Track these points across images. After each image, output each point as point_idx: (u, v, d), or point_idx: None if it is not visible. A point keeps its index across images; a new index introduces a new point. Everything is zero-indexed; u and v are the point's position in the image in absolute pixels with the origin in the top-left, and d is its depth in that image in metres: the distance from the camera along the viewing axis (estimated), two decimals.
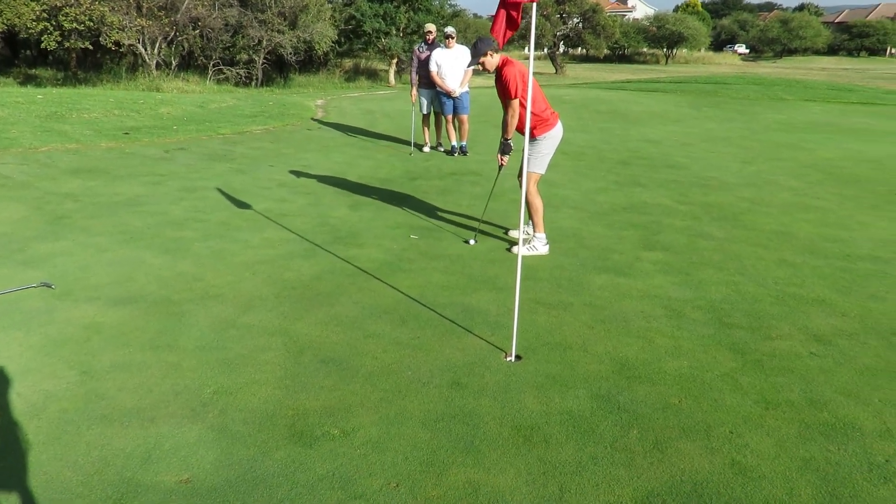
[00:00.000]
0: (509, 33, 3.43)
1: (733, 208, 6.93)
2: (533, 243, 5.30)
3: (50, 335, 3.76)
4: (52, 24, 20.78)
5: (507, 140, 4.98)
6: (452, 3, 32.98)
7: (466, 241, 5.49)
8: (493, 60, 4.96)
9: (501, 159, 5.16)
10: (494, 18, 3.44)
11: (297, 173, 8.11)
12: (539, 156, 5.07)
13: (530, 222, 5.45)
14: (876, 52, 75.30)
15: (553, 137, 5.06)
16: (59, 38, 21.14)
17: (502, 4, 3.34)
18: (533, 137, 5.01)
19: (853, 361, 3.67)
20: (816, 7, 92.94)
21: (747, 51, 77.03)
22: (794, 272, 5.04)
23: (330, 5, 27.76)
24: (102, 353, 3.56)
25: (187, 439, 2.82)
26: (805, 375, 3.49)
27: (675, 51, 60.41)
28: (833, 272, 5.07)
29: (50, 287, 4.39)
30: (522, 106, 4.88)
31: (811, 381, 3.44)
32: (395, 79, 29.87)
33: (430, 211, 6.52)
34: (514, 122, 4.90)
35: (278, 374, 3.29)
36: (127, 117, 12.00)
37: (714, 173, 8.75)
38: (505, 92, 4.90)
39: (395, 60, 29.85)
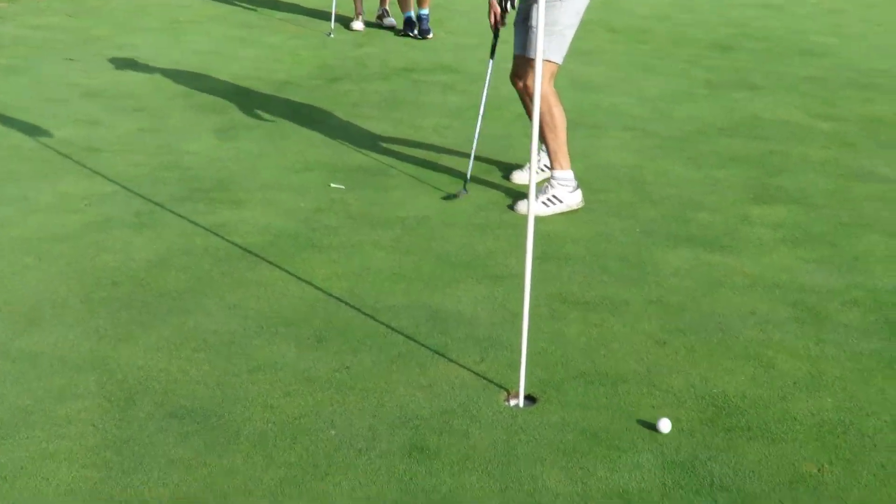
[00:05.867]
0: None
1: None
2: (551, 192, 4.45)
3: None
4: None
5: None
6: None
7: (448, 196, 4.68)
8: None
9: (496, 16, 4.45)
10: None
11: (120, 71, 6.61)
12: (557, 31, 4.27)
13: (544, 150, 4.60)
14: None
15: None
16: None
17: None
18: None
19: None
20: None
21: None
22: None
23: None
24: None
25: None
26: None
27: None
28: None
29: None
30: None
31: None
32: None
33: (366, 139, 5.43)
34: None
35: (91, 440, 2.74)
36: None
37: (882, 64, 7.45)
38: None
39: None
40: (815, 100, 6.51)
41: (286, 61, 7.23)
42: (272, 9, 9.04)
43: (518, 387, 2.92)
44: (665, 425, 2.88)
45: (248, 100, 6.18)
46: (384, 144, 5.41)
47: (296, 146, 5.33)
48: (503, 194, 4.69)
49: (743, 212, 4.55)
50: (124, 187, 4.68)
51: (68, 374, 3.02)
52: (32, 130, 5.37)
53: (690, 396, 2.95)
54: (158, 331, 3.33)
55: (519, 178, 4.80)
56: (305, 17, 8.64)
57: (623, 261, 4.01)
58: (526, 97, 4.28)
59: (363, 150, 5.28)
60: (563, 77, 5.31)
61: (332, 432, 2.72)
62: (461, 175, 4.86)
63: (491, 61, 4.83)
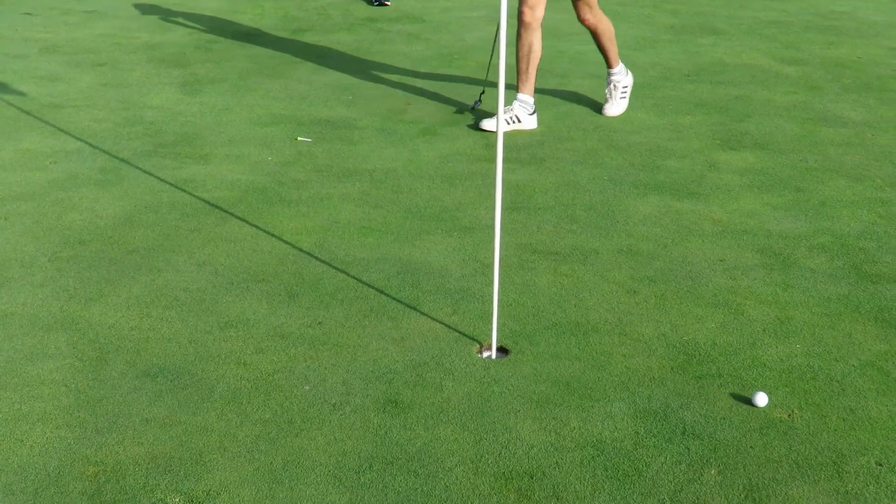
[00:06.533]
0: None
1: (880, 70, 6.00)
2: (620, 86, 4.98)
3: None
4: None
5: None
6: None
7: (459, 111, 4.95)
8: None
9: None
10: None
11: (79, 25, 6.71)
12: None
13: (517, 100, 4.79)
14: None
15: None
16: None
17: None
18: None
19: None
20: None
21: None
22: None
23: None
24: None
25: None
26: None
27: None
28: None
29: None
30: None
31: None
32: None
33: (332, 91, 5.49)
34: None
35: (64, 400, 2.77)
36: None
37: (843, 6, 7.58)
38: None
39: None
40: (779, 44, 6.60)
41: (249, 12, 7.24)
42: None
43: (490, 338, 2.96)
44: (762, 399, 2.79)
45: (210, 52, 6.22)
46: (350, 96, 5.44)
47: (261, 99, 5.37)
48: (471, 144, 4.74)
49: (710, 158, 4.63)
50: (88, 143, 4.69)
51: (39, 333, 3.02)
52: None
53: (661, 345, 2.98)
54: (128, 289, 3.34)
55: (488, 125, 4.83)
56: None
57: (591, 210, 4.08)
58: (593, 30, 4.82)
59: (329, 103, 5.34)
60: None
61: (306, 388, 2.75)
62: (429, 124, 4.98)
63: None
